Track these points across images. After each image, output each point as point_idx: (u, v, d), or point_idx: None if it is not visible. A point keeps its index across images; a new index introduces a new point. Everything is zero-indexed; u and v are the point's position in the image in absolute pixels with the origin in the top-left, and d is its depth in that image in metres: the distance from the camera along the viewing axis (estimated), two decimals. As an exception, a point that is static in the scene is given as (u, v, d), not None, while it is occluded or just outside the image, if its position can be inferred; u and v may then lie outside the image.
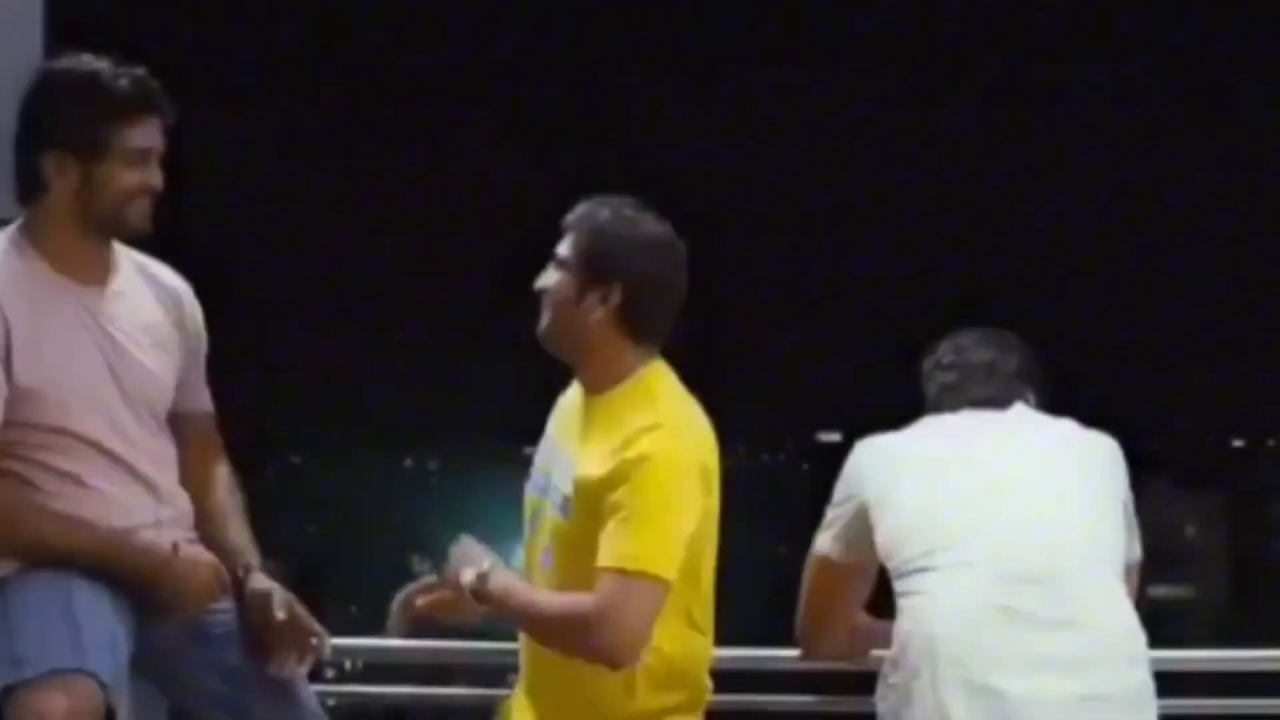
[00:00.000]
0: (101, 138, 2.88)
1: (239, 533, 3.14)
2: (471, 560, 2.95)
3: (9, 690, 2.73)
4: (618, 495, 2.85)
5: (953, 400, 2.99)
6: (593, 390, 3.02)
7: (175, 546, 2.95)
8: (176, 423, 3.14)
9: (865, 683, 3.12)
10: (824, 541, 2.99)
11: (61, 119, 2.89)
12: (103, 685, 2.76)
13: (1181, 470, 59.32)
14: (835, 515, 2.98)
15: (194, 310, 3.14)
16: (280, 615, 2.98)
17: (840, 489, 3.00)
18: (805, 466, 68.02)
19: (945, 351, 3.04)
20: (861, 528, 2.91)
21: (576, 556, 2.92)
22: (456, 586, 2.98)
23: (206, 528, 3.11)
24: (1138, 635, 2.79)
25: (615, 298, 2.93)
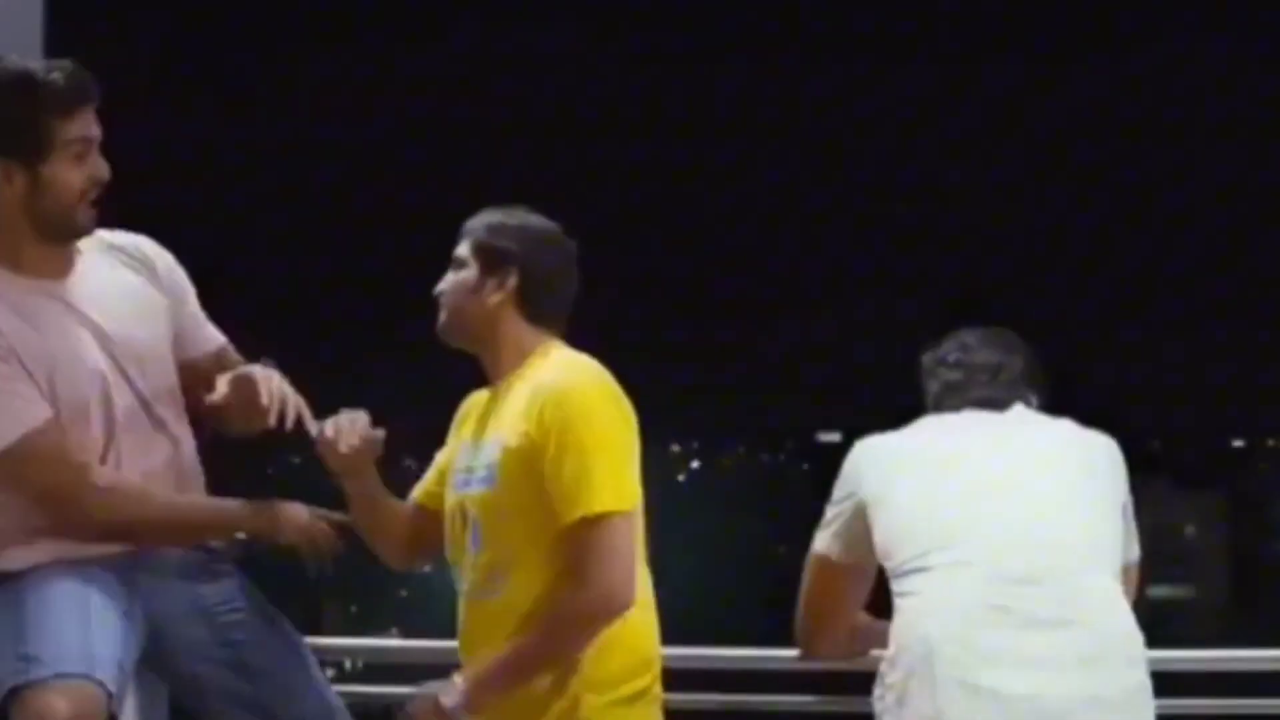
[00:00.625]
0: (42, 136, 2.89)
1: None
2: (430, 700, 2.91)
3: (15, 690, 2.73)
4: (550, 444, 2.88)
5: (955, 399, 2.99)
6: (499, 378, 3.08)
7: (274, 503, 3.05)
8: (194, 369, 3.15)
9: (865, 683, 3.12)
10: (823, 541, 3.00)
11: (2, 124, 2.89)
12: (108, 693, 2.76)
13: (1181, 470, 59.31)
14: (834, 514, 2.98)
15: (165, 261, 3.14)
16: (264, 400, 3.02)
17: (839, 488, 3.00)
18: (805, 466, 67.94)
19: (950, 349, 3.04)
20: (860, 527, 2.91)
21: (506, 522, 2.93)
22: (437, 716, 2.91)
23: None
24: (1136, 635, 2.79)
25: (512, 281, 3.03)
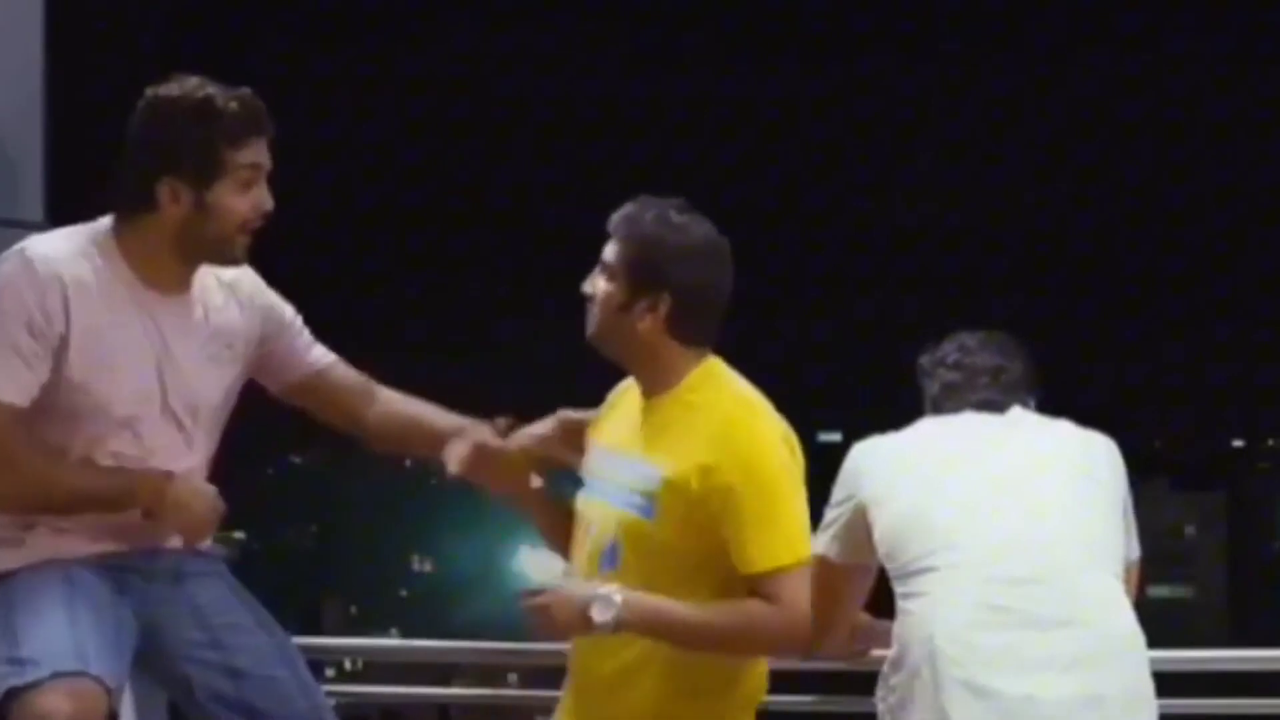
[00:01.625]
0: (216, 161, 2.93)
1: (443, 415, 3.24)
2: (586, 593, 2.91)
3: (12, 693, 2.73)
4: (737, 492, 2.87)
5: (954, 401, 2.99)
6: (651, 392, 3.02)
7: (170, 474, 2.98)
8: (306, 390, 3.22)
9: (865, 683, 3.12)
10: (822, 542, 3.00)
11: (176, 144, 2.93)
12: (107, 689, 2.77)
13: (1181, 470, 59.35)
14: (833, 516, 2.98)
15: (260, 293, 3.16)
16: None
17: (838, 489, 3.00)
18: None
19: (949, 351, 3.04)
20: (860, 528, 2.91)
21: (655, 556, 2.93)
22: (577, 624, 2.91)
23: (410, 432, 3.25)
24: (1137, 635, 2.79)
25: (664, 306, 2.94)
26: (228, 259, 3.03)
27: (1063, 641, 2.71)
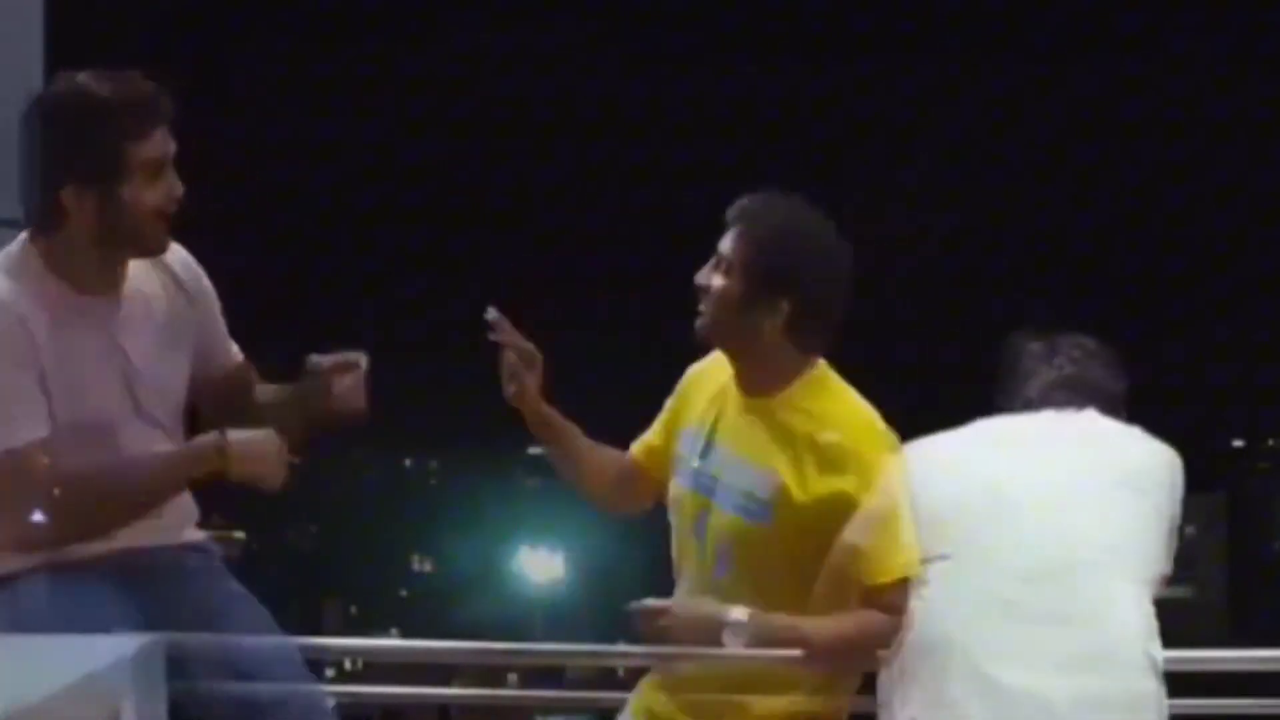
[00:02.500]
0: (118, 159, 2.91)
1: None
2: (712, 618, 2.89)
3: None
4: (860, 504, 2.93)
5: (1040, 390, 2.96)
6: (756, 392, 3.01)
7: (221, 431, 2.98)
8: (208, 386, 3.17)
9: (865, 683, 3.12)
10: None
11: (73, 150, 2.92)
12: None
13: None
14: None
15: (197, 277, 3.16)
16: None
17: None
18: (805, 466, 67.82)
19: (1071, 346, 3.03)
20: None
21: (770, 563, 2.97)
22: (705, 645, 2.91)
23: (259, 408, 3.24)
24: (1149, 639, 2.78)
25: (783, 310, 2.95)
26: (149, 250, 3.02)
27: (1068, 639, 2.71)
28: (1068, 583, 2.78)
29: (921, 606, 2.81)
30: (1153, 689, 2.76)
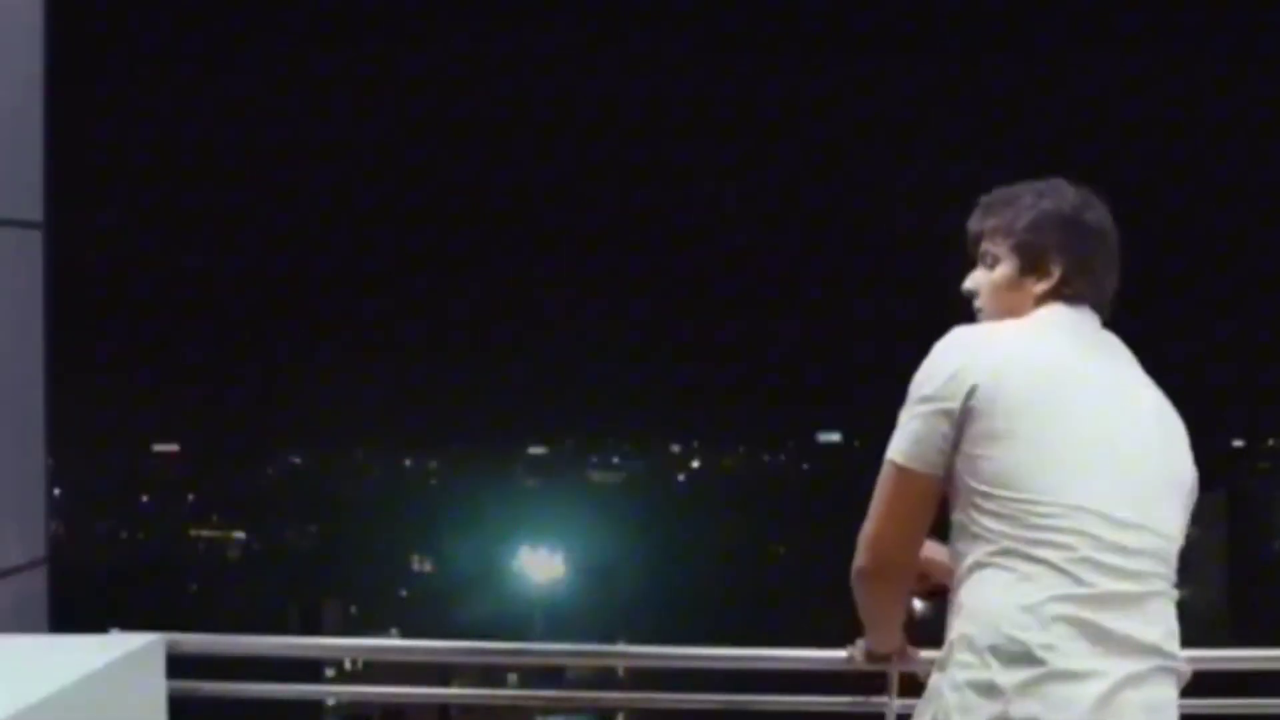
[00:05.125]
0: None
1: None
2: None
3: None
4: None
5: (1081, 284, 2.91)
6: None
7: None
8: None
9: (865, 683, 3.12)
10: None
11: None
12: None
13: (1181, 470, 59.19)
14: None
15: None
16: None
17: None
18: (805, 466, 68.00)
19: (1091, 208, 3.01)
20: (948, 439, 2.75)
21: None
22: None
23: None
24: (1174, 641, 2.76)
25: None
26: None
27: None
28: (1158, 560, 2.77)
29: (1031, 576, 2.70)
30: (1172, 698, 2.72)
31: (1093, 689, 2.47)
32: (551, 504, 62.30)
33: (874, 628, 2.94)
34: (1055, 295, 2.85)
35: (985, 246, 2.92)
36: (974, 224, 2.94)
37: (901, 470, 2.63)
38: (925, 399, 2.64)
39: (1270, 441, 66.97)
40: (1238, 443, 67.56)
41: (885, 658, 3.03)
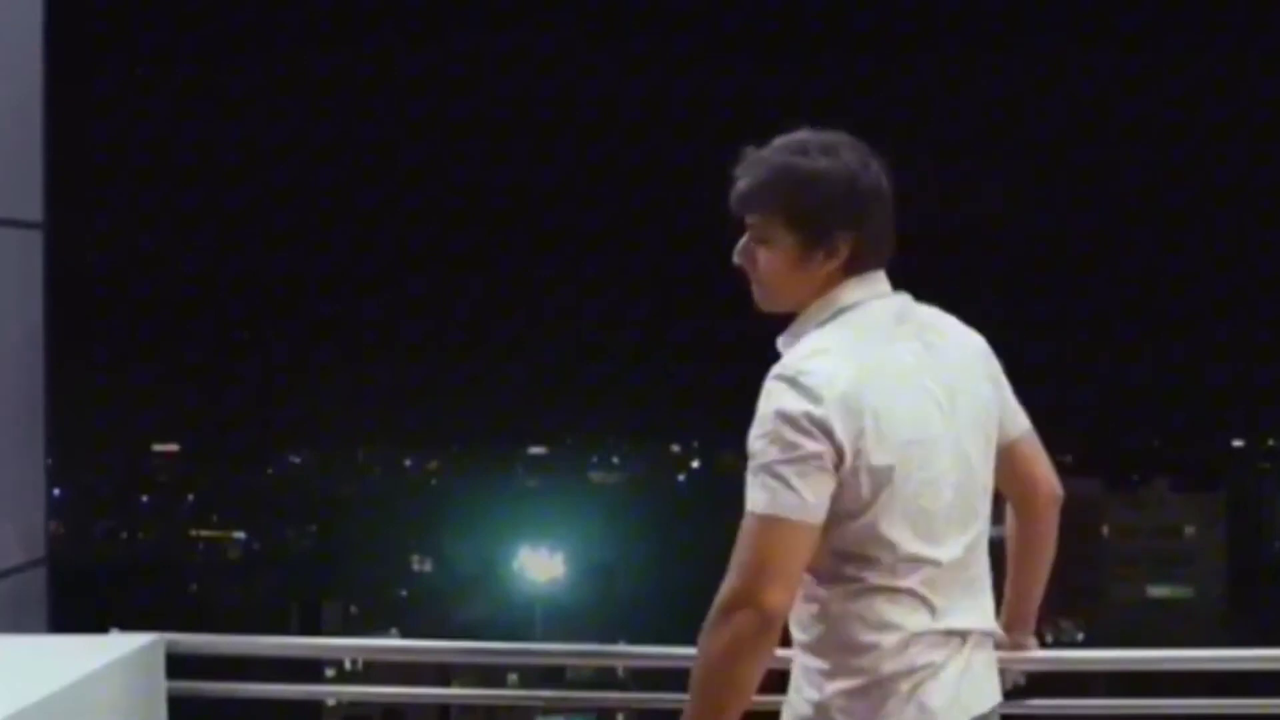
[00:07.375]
0: None
1: None
2: None
3: None
4: None
5: (877, 258, 2.79)
6: None
7: None
8: None
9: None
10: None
11: None
12: None
13: (1181, 470, 59.34)
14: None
15: None
16: None
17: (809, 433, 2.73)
18: (805, 466, 67.60)
19: (863, 167, 2.80)
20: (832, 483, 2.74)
21: None
22: None
23: None
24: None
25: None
26: None
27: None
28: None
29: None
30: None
31: None
32: (551, 504, 62.30)
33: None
34: (846, 272, 2.64)
35: (756, 219, 2.70)
36: (742, 192, 2.71)
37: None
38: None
39: (1270, 441, 66.99)
40: (1238, 443, 67.59)
41: None
